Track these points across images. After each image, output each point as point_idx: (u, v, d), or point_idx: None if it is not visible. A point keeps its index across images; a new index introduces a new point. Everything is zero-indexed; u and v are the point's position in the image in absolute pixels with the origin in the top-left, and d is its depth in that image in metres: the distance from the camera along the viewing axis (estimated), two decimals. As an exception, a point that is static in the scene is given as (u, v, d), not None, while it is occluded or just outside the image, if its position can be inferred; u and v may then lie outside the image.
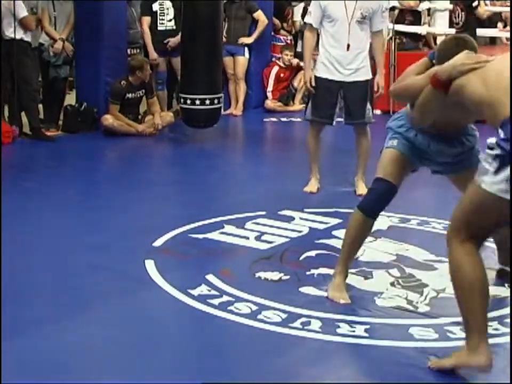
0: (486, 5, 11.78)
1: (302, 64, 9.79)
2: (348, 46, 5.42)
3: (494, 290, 3.81)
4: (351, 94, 5.52)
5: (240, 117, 9.32)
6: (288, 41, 10.17)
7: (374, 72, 5.71)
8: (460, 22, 8.88)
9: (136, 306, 3.60)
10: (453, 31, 9.11)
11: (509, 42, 10.29)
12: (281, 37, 10.14)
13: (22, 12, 7.28)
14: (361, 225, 3.65)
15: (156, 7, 8.48)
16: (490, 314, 3.49)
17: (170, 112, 8.67)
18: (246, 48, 9.36)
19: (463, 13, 8.85)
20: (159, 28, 8.49)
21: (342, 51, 5.44)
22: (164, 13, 8.49)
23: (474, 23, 8.77)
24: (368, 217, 3.63)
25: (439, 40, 10.71)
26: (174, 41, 8.35)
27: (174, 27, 8.42)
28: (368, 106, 5.65)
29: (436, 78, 3.00)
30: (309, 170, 5.78)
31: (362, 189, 5.50)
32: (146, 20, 8.49)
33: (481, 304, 2.84)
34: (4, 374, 2.81)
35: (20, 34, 7.29)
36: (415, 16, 10.11)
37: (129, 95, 7.79)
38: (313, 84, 5.50)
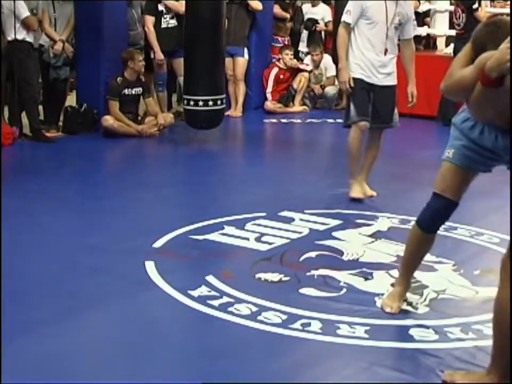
0: (486, 5, 11.80)
1: (301, 66, 9.88)
2: (386, 50, 5.34)
3: (492, 292, 3.82)
4: (381, 97, 5.44)
5: (240, 118, 9.33)
6: (286, 42, 10.18)
7: None
8: (461, 24, 8.87)
9: (137, 308, 3.61)
10: (453, 32, 9.12)
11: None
12: (279, 38, 10.15)
13: (24, 12, 7.28)
14: (420, 241, 3.51)
15: (161, 6, 8.48)
16: (490, 316, 3.51)
17: (171, 113, 8.68)
18: (246, 49, 9.36)
19: (463, 14, 8.85)
20: (162, 26, 8.49)
21: (378, 55, 5.36)
22: (168, 11, 8.49)
23: (475, 25, 8.77)
24: (428, 233, 3.48)
25: (439, 41, 10.74)
26: (157, 56, 8.37)
27: (176, 23, 8.42)
28: (396, 110, 5.60)
29: (485, 76, 2.76)
30: (349, 175, 5.59)
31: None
32: (151, 20, 8.48)
33: None
34: (4, 374, 2.81)
35: (22, 35, 7.30)
36: (415, 18, 10.10)
37: (126, 91, 7.79)
38: (352, 84, 5.36)
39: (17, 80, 7.38)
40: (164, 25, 8.48)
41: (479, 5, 8.71)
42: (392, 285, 3.85)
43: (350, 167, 5.58)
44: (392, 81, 5.49)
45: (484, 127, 3.20)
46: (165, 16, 8.47)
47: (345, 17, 5.42)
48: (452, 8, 9.71)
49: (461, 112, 3.38)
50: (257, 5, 9.28)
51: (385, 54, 5.36)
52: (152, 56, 8.53)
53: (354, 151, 5.53)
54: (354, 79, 5.38)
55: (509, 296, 2.70)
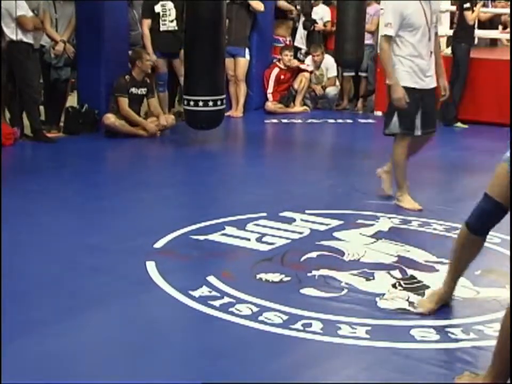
0: (486, 6, 11.78)
1: (301, 66, 9.88)
2: (430, 53, 5.22)
3: (495, 292, 3.82)
4: (429, 101, 5.31)
5: (241, 118, 9.33)
6: (287, 42, 10.17)
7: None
8: (456, 22, 8.90)
9: (137, 308, 3.61)
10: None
11: (509, 44, 10.29)
12: (280, 38, 10.15)
13: (19, 11, 7.24)
14: (468, 242, 3.42)
15: (158, 8, 8.47)
16: (491, 316, 3.51)
17: (171, 114, 8.68)
18: (247, 50, 9.36)
19: (457, 12, 8.88)
20: (161, 29, 8.49)
21: (424, 59, 5.21)
22: (166, 14, 8.48)
23: (465, 24, 8.78)
24: (476, 235, 3.40)
25: (441, 41, 10.73)
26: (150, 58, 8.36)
27: (176, 27, 8.42)
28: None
29: None
30: (397, 186, 5.44)
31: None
32: (147, 22, 8.49)
33: None
34: (4, 374, 2.81)
35: (19, 36, 7.29)
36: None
37: (133, 90, 7.80)
38: (407, 99, 5.14)
39: (17, 81, 7.38)
40: (163, 28, 8.47)
41: (472, 5, 8.71)
42: (394, 285, 3.85)
43: (397, 179, 5.42)
44: (435, 82, 5.35)
45: None
46: (164, 18, 8.46)
47: (386, 31, 5.23)
48: (453, 8, 9.73)
49: None
50: (259, 6, 9.28)
51: (430, 56, 5.22)
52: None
53: (402, 164, 5.37)
54: (405, 88, 5.17)
55: None
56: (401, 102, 5.16)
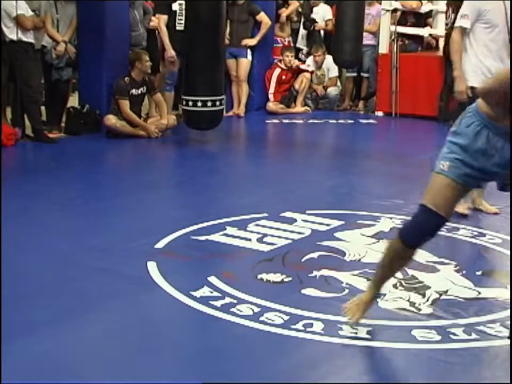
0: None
1: (302, 66, 9.88)
2: (506, 56, 4.96)
3: (495, 292, 3.82)
4: None
5: (242, 118, 9.34)
6: (286, 43, 10.17)
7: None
8: (449, 23, 8.90)
9: (138, 308, 3.61)
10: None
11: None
12: (278, 39, 10.15)
13: (18, 10, 7.24)
14: (399, 254, 3.21)
15: (175, 6, 8.45)
16: (493, 317, 3.51)
17: (173, 115, 8.67)
18: (249, 51, 9.37)
19: (453, 14, 8.86)
20: (177, 28, 8.46)
21: (496, 62, 4.96)
22: (182, 13, 8.45)
23: None
24: (409, 248, 3.18)
25: (441, 42, 10.72)
26: (168, 54, 8.37)
27: None
28: None
29: None
30: None
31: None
32: (164, 18, 8.48)
33: None
34: (4, 374, 2.81)
35: (19, 35, 7.28)
36: (417, 18, 10.12)
37: (133, 91, 7.80)
38: (470, 94, 4.93)
39: (18, 81, 7.38)
40: (178, 27, 8.44)
41: None
42: (395, 285, 3.85)
43: None
44: None
45: (490, 132, 2.98)
46: (180, 18, 8.44)
47: (461, 22, 5.06)
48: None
49: (462, 118, 3.12)
50: (268, 24, 9.36)
51: (506, 58, 4.95)
52: (165, 55, 8.55)
53: None
54: (472, 88, 4.93)
55: None
56: (463, 95, 5.02)
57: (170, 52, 8.39)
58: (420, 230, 3.10)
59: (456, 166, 3.01)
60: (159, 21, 8.52)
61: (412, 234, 3.13)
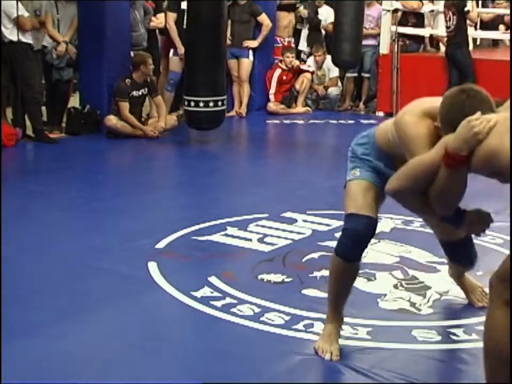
0: (487, 6, 11.79)
1: (303, 67, 9.88)
2: None
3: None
4: None
5: (243, 119, 9.34)
6: (286, 43, 10.17)
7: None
8: (451, 26, 8.89)
9: (139, 308, 3.61)
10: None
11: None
12: (278, 39, 10.14)
13: (15, 11, 7.22)
14: (344, 272, 3.07)
15: (184, 5, 8.43)
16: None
17: (174, 115, 8.67)
18: (251, 51, 9.38)
19: (454, 17, 8.86)
20: (185, 27, 8.44)
21: None
22: None
23: (465, 27, 8.83)
24: (350, 262, 3.05)
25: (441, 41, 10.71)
26: (180, 51, 8.37)
27: None
28: None
29: (452, 157, 2.51)
30: None
31: None
32: (173, 16, 8.48)
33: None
34: (4, 374, 2.81)
35: (17, 36, 7.27)
36: (418, 18, 10.12)
37: (134, 93, 7.80)
38: None
39: (18, 81, 7.39)
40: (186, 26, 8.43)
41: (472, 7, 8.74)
42: (395, 286, 3.85)
43: None
44: None
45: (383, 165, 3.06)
46: None
47: None
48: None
49: (359, 143, 3.34)
50: (268, 25, 9.36)
51: None
52: (171, 54, 8.56)
53: None
54: None
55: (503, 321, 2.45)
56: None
57: (181, 49, 8.30)
58: (353, 239, 3.00)
59: (366, 169, 3.09)
60: (168, 19, 8.53)
61: (347, 247, 3.02)
